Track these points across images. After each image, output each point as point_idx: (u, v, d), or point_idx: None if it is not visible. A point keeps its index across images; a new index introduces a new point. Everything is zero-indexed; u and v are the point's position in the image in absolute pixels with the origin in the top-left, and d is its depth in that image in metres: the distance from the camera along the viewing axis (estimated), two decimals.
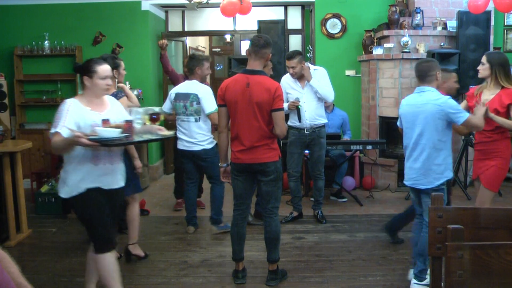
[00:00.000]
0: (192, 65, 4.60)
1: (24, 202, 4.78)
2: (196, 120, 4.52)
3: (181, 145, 4.62)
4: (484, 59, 3.72)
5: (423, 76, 3.39)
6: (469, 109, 3.77)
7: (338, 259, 4.10)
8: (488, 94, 3.69)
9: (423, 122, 3.33)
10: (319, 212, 5.09)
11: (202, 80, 4.71)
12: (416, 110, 3.37)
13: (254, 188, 3.78)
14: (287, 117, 4.64)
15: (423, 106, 3.32)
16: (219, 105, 3.56)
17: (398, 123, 3.67)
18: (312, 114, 4.87)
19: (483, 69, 3.72)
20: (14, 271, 1.85)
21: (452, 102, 3.31)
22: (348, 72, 6.89)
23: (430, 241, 2.30)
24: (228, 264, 3.94)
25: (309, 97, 4.85)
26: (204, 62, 4.63)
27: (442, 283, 2.16)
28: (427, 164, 3.35)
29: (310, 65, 4.98)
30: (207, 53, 12.46)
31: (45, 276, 3.83)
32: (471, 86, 4.16)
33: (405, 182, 3.53)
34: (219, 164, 3.73)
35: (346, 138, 6.09)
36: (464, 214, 2.31)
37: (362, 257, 4.12)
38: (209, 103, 4.45)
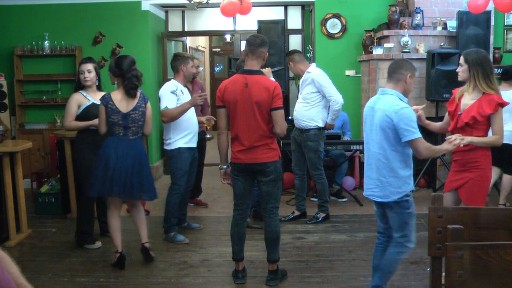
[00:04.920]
0: (178, 63, 4.53)
1: (24, 202, 4.77)
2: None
3: None
4: (462, 59, 3.30)
5: (390, 72, 3.07)
6: (449, 114, 3.41)
7: (338, 259, 4.10)
8: (468, 99, 3.28)
9: (375, 129, 3.03)
10: (317, 217, 5.04)
11: (187, 80, 4.64)
12: (372, 114, 3.07)
13: (255, 189, 3.78)
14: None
15: (377, 111, 3.02)
16: (218, 107, 3.55)
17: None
18: (298, 116, 4.91)
19: (462, 71, 3.30)
20: (14, 271, 1.85)
21: (407, 113, 2.92)
22: (348, 72, 6.89)
23: (430, 241, 2.30)
24: (228, 264, 3.94)
25: (300, 98, 4.95)
26: (189, 60, 4.55)
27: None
28: (381, 175, 3.04)
29: (311, 66, 4.98)
30: (207, 53, 12.48)
31: (45, 276, 3.83)
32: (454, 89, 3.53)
33: (364, 193, 3.22)
34: (219, 166, 3.73)
35: (346, 138, 6.09)
36: (464, 214, 2.31)
37: (362, 257, 4.12)
38: (163, 101, 4.35)
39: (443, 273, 2.07)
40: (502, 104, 3.19)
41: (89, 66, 4.35)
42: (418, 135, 2.92)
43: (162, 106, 4.33)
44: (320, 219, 5.01)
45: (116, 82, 3.95)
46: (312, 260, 4.07)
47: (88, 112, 4.26)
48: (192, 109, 4.52)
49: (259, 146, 3.44)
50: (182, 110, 4.30)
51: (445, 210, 2.30)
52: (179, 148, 4.41)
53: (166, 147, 4.48)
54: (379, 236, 3.33)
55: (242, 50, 8.09)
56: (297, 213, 5.13)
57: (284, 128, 3.46)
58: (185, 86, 4.66)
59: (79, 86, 4.41)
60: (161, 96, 4.40)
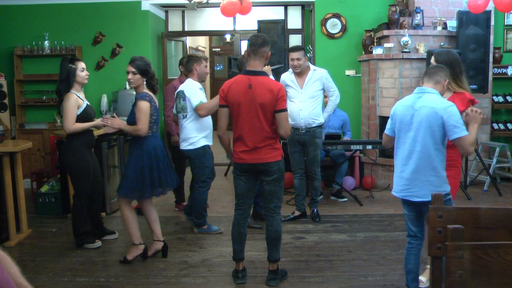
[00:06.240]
0: (190, 64, 4.63)
1: (24, 202, 4.77)
2: (183, 117, 4.51)
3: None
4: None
5: (430, 73, 3.06)
6: None
7: (338, 259, 4.09)
8: None
9: (418, 127, 2.96)
10: (314, 210, 5.08)
11: (201, 79, 4.72)
12: (412, 113, 2.99)
13: (257, 188, 3.78)
14: None
15: (421, 108, 2.96)
16: (220, 106, 3.56)
17: (387, 130, 3.21)
18: (307, 114, 4.87)
19: None
20: (14, 271, 1.85)
21: (456, 111, 2.90)
22: (348, 72, 6.90)
23: (430, 241, 2.30)
24: (228, 264, 3.94)
25: (306, 97, 4.88)
26: (202, 60, 4.68)
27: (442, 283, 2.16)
28: (421, 174, 2.98)
29: (310, 65, 4.98)
30: (207, 53, 12.49)
31: (45, 276, 3.83)
32: None
33: (395, 194, 3.11)
34: (227, 156, 3.77)
35: (346, 138, 6.09)
36: (464, 214, 2.31)
37: (362, 257, 4.12)
38: (194, 97, 4.43)
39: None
40: (473, 102, 3.31)
41: (84, 64, 4.35)
42: (466, 132, 2.90)
43: (196, 101, 4.41)
44: (316, 211, 5.08)
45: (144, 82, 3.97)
46: (312, 260, 4.07)
47: (86, 114, 4.24)
48: None
49: (262, 147, 3.44)
50: (217, 103, 4.13)
51: (445, 210, 2.30)
52: (204, 146, 4.52)
53: (189, 147, 4.51)
54: (410, 240, 3.17)
55: (244, 50, 8.10)
56: (297, 213, 5.13)
57: (288, 130, 3.46)
58: None
59: (70, 85, 4.18)
60: (190, 94, 4.45)
